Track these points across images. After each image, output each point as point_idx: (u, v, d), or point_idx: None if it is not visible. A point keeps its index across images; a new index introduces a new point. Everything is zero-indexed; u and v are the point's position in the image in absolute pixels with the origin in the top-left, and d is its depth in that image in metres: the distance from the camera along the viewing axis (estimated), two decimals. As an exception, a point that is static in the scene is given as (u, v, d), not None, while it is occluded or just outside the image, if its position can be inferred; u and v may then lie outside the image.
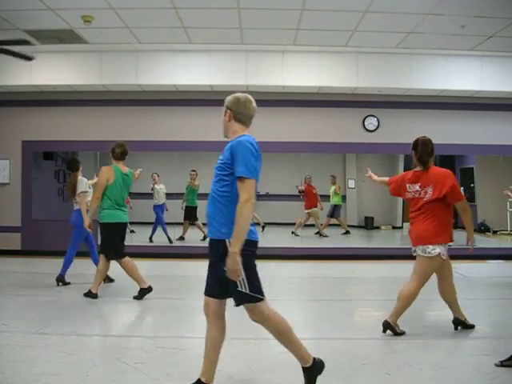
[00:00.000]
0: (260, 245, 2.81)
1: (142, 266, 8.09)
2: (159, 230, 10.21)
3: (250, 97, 2.97)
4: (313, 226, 12.23)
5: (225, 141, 2.89)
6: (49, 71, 8.29)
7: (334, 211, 12.02)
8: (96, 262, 6.10)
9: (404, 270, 8.19)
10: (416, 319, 4.78)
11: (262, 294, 2.81)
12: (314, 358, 2.96)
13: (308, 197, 11.60)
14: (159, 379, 3.12)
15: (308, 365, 2.92)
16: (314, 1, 5.94)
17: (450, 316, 4.39)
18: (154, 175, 10.27)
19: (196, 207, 10.44)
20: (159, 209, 10.27)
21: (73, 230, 6.22)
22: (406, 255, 8.88)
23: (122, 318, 4.95)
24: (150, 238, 10.07)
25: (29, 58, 6.70)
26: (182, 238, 10.23)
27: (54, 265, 7.90)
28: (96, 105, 9.00)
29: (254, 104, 2.97)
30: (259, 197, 14.48)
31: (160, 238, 10.10)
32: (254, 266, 2.82)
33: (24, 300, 5.36)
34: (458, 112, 9.09)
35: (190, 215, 10.40)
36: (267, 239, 11.29)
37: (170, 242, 9.87)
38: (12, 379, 3.13)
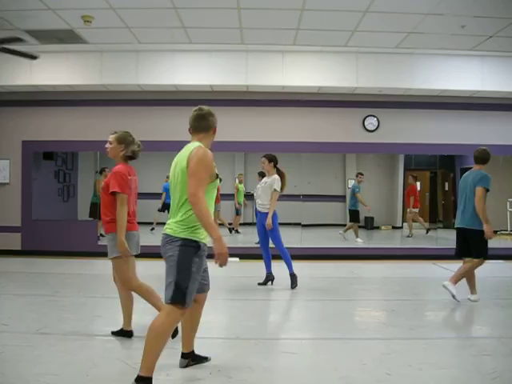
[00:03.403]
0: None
1: (142, 265, 8.14)
2: None
3: None
4: (313, 225, 12.22)
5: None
6: (49, 71, 8.29)
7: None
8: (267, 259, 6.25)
9: (404, 269, 8.25)
10: (416, 319, 4.79)
11: None
12: None
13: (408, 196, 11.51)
14: (159, 379, 3.11)
15: None
16: (314, 1, 5.95)
17: (449, 316, 4.38)
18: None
19: None
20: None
21: (262, 230, 6.25)
22: (405, 255, 9.00)
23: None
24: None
25: (33, 57, 6.70)
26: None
27: (54, 265, 7.93)
28: (96, 105, 9.00)
29: None
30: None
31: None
32: None
33: (24, 300, 5.36)
34: (458, 112, 9.10)
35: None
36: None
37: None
38: (12, 379, 3.12)
